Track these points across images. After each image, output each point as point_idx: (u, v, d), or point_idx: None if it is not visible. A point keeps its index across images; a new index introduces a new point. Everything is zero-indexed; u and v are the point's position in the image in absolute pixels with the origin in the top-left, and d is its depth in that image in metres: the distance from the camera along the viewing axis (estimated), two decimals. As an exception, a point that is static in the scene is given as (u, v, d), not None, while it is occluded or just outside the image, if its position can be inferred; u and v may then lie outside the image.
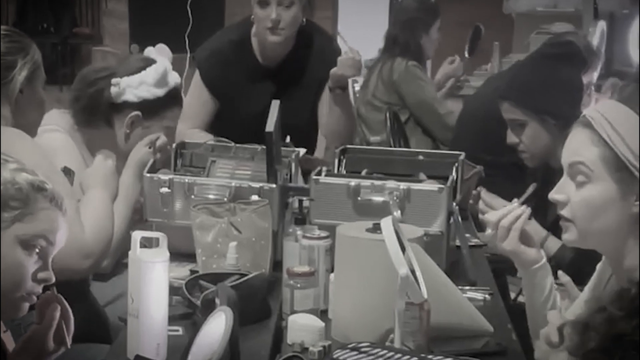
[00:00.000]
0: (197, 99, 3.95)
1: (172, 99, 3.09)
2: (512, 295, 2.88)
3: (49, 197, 1.96)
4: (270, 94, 3.79)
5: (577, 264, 2.54)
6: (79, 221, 2.62)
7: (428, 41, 5.22)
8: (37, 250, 1.95)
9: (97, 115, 3.03)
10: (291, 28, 3.83)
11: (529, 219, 3.12)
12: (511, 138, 3.22)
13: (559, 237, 3.04)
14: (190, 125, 3.89)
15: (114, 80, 2.99)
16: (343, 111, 3.89)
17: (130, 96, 3.00)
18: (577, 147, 1.98)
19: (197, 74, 3.99)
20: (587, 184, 1.96)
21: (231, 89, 3.93)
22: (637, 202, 1.93)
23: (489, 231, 2.26)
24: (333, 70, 3.80)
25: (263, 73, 3.93)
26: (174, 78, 3.09)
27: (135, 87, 3.00)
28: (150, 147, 2.96)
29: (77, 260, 2.58)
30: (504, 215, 2.23)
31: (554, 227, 3.07)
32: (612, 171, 1.93)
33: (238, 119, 3.82)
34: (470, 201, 3.29)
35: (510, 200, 2.41)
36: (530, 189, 3.16)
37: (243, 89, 3.93)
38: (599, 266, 2.16)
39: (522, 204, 2.32)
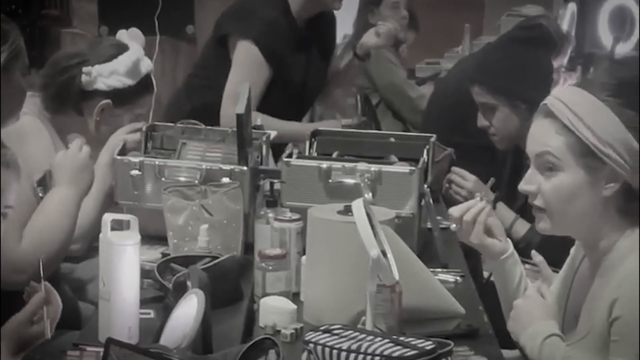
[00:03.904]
0: (255, 78, 3.67)
1: (143, 87, 3.07)
2: (485, 274, 2.89)
3: None
4: (305, 62, 3.84)
5: (546, 246, 2.55)
6: (15, 232, 2.44)
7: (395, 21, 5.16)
8: None
9: (66, 102, 2.98)
10: None
11: (495, 207, 3.15)
12: (482, 121, 3.24)
13: (527, 220, 3.07)
14: None
15: (85, 69, 2.95)
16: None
17: (101, 85, 2.97)
18: (541, 137, 1.98)
19: (249, 51, 3.72)
20: (556, 173, 1.96)
21: (284, 60, 3.78)
22: (607, 186, 1.94)
23: (453, 226, 2.26)
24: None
25: (302, 41, 3.86)
26: (146, 65, 3.06)
27: (106, 76, 2.97)
28: (141, 134, 2.95)
29: (6, 274, 2.33)
30: (467, 209, 2.23)
31: (522, 210, 3.10)
32: (578, 158, 1.94)
33: (290, 91, 3.66)
34: (446, 185, 3.30)
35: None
36: (489, 183, 3.20)
37: (291, 58, 3.81)
38: (572, 251, 2.17)
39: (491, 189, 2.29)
